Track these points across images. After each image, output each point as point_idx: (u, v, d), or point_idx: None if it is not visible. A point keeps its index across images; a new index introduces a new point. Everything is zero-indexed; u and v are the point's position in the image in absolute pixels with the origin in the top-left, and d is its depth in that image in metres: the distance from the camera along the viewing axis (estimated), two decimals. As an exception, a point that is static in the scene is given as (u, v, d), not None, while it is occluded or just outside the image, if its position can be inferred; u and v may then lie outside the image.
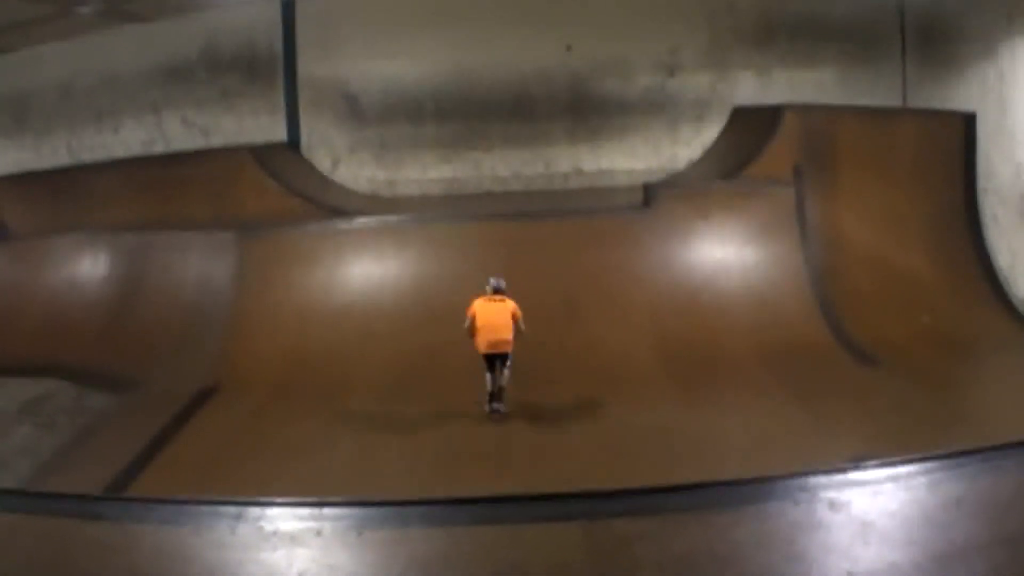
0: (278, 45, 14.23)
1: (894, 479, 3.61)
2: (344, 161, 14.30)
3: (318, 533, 3.44)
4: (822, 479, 3.62)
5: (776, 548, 3.30)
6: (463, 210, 11.18)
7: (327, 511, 3.55)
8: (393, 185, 14.18)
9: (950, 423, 7.34)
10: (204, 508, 3.67)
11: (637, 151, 13.99)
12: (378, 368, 9.11)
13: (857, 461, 3.91)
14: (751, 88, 13.73)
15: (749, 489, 3.65)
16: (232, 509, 3.58)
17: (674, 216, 10.37)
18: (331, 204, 12.87)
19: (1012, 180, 10.57)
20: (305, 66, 14.18)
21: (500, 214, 11.09)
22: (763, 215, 10.40)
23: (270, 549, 3.38)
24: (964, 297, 10.32)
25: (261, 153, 13.63)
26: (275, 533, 3.45)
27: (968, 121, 11.20)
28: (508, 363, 8.06)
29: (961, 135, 11.22)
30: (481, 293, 8.23)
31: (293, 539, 3.42)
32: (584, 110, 13.95)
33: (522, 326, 8.06)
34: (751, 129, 12.65)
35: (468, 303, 8.16)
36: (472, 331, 8.08)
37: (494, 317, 8.03)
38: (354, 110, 14.20)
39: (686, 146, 13.93)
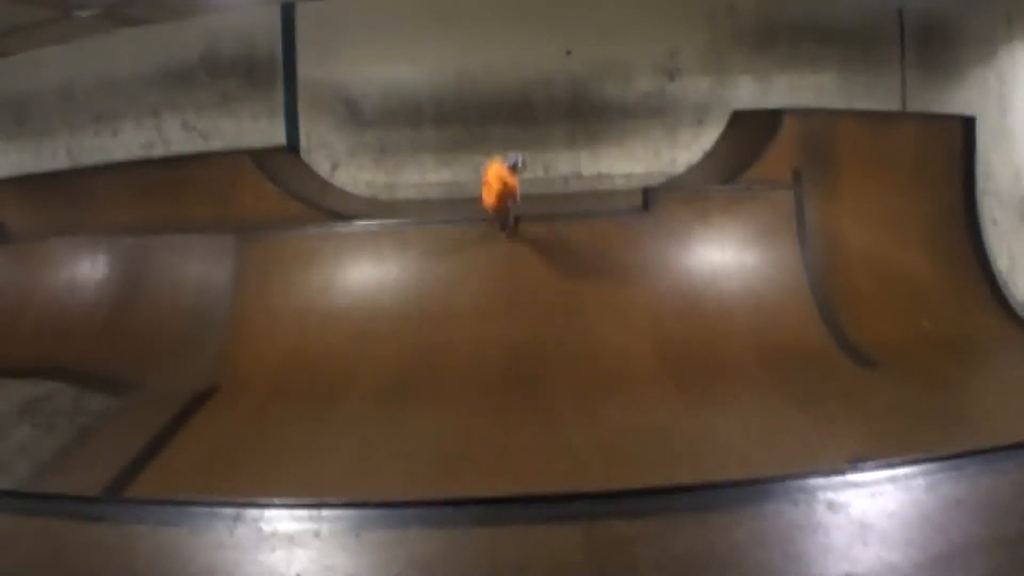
0: (278, 49, 14.26)
1: (893, 480, 3.62)
2: (343, 165, 14.31)
3: (316, 534, 3.44)
4: (821, 480, 3.63)
5: (775, 548, 3.30)
6: (463, 214, 11.17)
7: (325, 512, 3.54)
8: (392, 189, 14.19)
9: (949, 425, 7.34)
10: (202, 509, 3.67)
11: (636, 155, 14.02)
12: (377, 370, 9.10)
13: (856, 462, 3.91)
14: (751, 92, 13.76)
15: (748, 490, 3.65)
16: (230, 510, 3.58)
17: (673, 220, 10.37)
18: (330, 207, 12.89)
19: (1012, 183, 10.57)
20: (305, 70, 14.21)
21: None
22: (762, 219, 10.40)
23: (268, 550, 3.37)
24: (963, 299, 10.32)
25: (260, 157, 13.64)
26: (273, 534, 3.44)
27: (968, 124, 11.20)
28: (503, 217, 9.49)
29: (961, 138, 11.22)
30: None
31: (291, 540, 3.41)
32: (584, 114, 13.98)
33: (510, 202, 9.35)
34: (750, 133, 12.67)
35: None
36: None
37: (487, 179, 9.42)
38: (353, 114, 14.22)
39: (685, 150, 13.95)
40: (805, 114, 12.07)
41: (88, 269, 11.23)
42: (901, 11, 13.45)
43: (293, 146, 14.31)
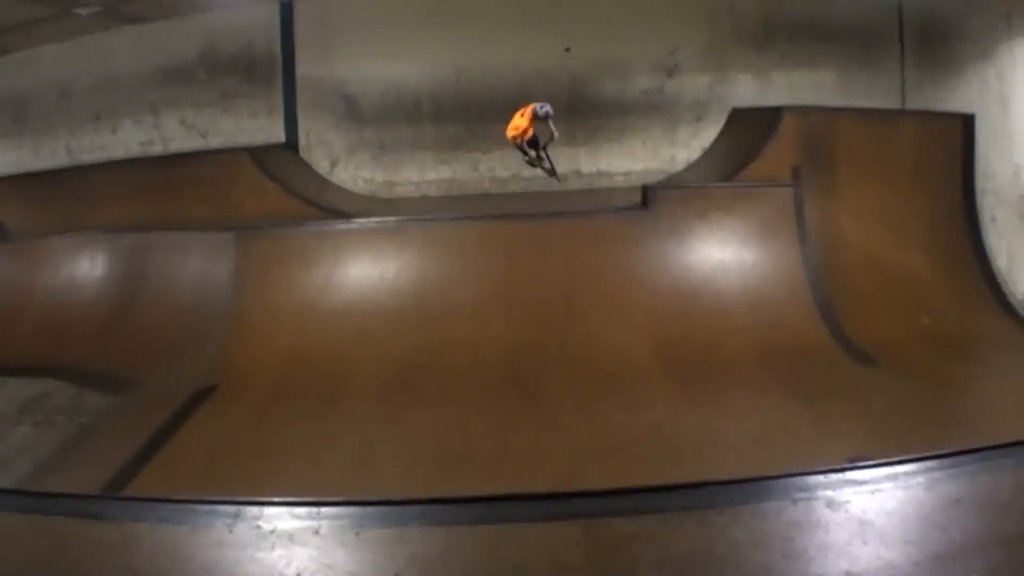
0: (277, 46, 14.25)
1: (892, 478, 3.61)
2: (342, 162, 14.31)
3: (316, 532, 3.44)
4: (820, 478, 3.61)
5: (774, 547, 3.30)
6: (462, 211, 11.18)
7: (325, 510, 3.53)
8: (392, 186, 14.19)
9: (948, 423, 7.34)
10: (202, 507, 3.65)
11: (635, 152, 14.02)
12: (377, 368, 9.10)
13: (855, 460, 3.90)
14: (750, 89, 13.76)
15: (747, 488, 3.65)
16: (230, 508, 3.57)
17: (673, 217, 10.36)
18: (329, 205, 12.88)
19: (1011, 181, 10.57)
20: (304, 67, 14.20)
21: (499, 215, 11.09)
22: (762, 216, 10.40)
23: (268, 548, 3.37)
24: (963, 298, 10.33)
25: (259, 154, 13.63)
26: (273, 532, 3.44)
27: (967, 122, 11.20)
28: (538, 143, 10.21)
29: (960, 136, 11.22)
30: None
31: (291, 538, 3.41)
32: (583, 111, 13.96)
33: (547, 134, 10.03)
34: (750, 130, 12.66)
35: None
36: None
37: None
38: (352, 111, 14.21)
39: (684, 147, 13.95)
40: (805, 112, 12.06)
41: (87, 267, 11.22)
42: (901, 9, 13.44)
43: (292, 144, 14.30)
